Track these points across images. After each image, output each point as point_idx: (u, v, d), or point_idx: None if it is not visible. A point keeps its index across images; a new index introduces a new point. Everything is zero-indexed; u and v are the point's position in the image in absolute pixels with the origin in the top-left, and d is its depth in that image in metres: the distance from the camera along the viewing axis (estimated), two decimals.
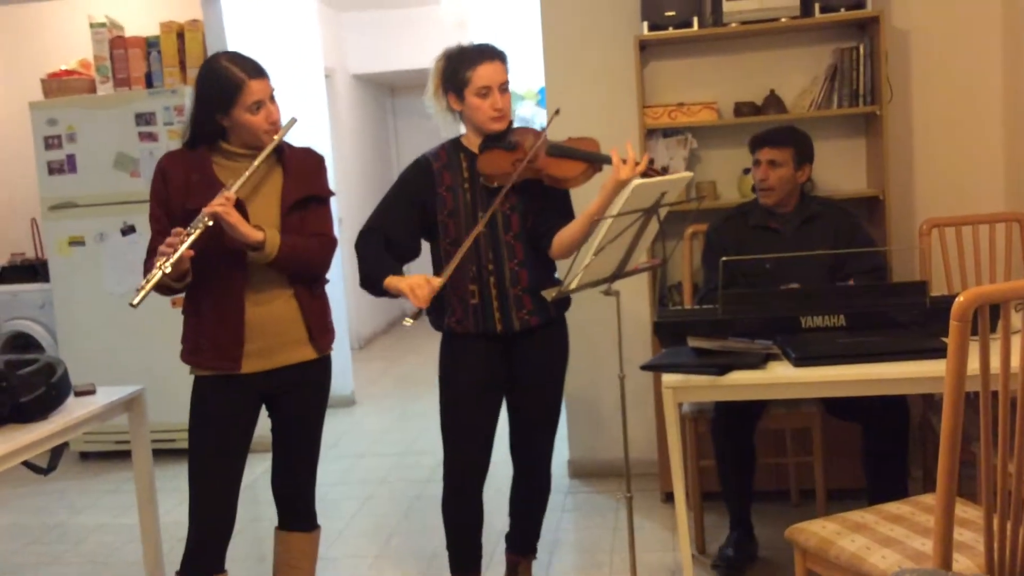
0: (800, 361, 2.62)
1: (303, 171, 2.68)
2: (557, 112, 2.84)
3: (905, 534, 2.24)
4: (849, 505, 2.60)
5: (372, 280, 2.78)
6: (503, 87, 2.78)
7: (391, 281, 2.72)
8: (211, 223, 2.43)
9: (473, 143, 2.84)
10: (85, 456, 5.31)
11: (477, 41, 2.90)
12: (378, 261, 2.80)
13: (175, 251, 2.38)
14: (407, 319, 2.62)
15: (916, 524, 2.29)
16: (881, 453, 3.16)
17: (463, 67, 2.76)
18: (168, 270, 2.38)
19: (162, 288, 2.51)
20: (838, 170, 4.09)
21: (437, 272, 2.84)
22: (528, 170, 2.71)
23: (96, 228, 5.09)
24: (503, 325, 2.79)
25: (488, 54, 2.78)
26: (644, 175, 2.66)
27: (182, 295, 2.65)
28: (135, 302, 2.39)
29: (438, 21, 7.76)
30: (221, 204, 2.43)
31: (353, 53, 8.60)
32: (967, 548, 2.12)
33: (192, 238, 2.41)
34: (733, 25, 3.84)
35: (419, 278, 2.65)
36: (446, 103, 2.83)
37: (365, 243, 2.84)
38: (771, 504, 3.72)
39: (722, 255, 3.02)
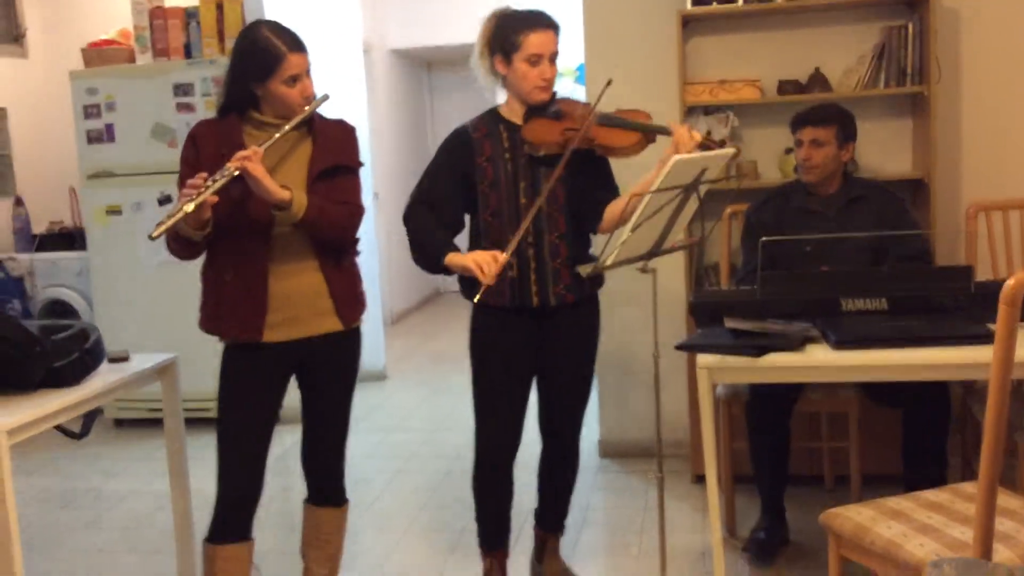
0: (840, 344, 2.57)
1: (333, 141, 2.65)
2: (609, 83, 2.72)
3: (944, 522, 2.19)
4: (885, 492, 2.55)
5: (430, 256, 2.72)
6: (553, 57, 2.70)
7: (454, 258, 2.64)
8: (237, 173, 2.40)
9: (513, 112, 2.78)
10: (119, 423, 5.37)
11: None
12: (434, 236, 2.73)
13: (198, 193, 2.36)
14: (476, 296, 2.56)
15: (955, 512, 2.24)
16: (921, 440, 3.10)
17: (515, 30, 2.68)
18: (190, 208, 2.34)
19: (181, 239, 2.50)
20: (883, 152, 4.00)
21: (473, 243, 2.81)
22: (582, 140, 2.64)
23: (133, 198, 5.13)
24: (540, 299, 2.74)
25: (543, 21, 2.70)
26: (703, 148, 2.60)
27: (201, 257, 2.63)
28: (154, 234, 2.35)
29: None
30: (248, 156, 2.41)
31: (392, 27, 8.57)
32: (1008, 539, 2.07)
33: (218, 184, 2.38)
34: (779, 0, 3.75)
35: (485, 254, 2.57)
36: (491, 64, 2.76)
37: (415, 217, 2.78)
38: (804, 489, 3.67)
39: (762, 236, 2.97)
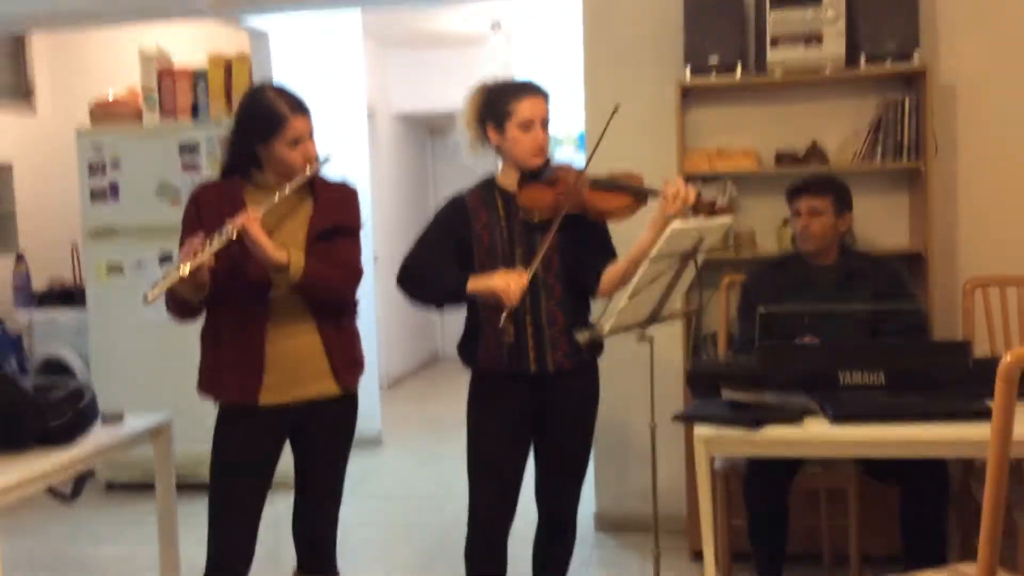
0: (838, 419, 2.55)
1: (334, 203, 2.67)
2: (616, 109, 2.71)
3: None
4: (885, 571, 2.51)
5: (449, 287, 2.71)
6: (545, 123, 2.75)
7: (478, 282, 2.65)
8: (235, 235, 2.41)
9: (508, 180, 2.81)
10: (111, 486, 5.30)
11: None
12: (442, 273, 2.74)
13: (195, 255, 2.36)
14: (503, 318, 2.56)
15: None
16: (919, 518, 3.05)
17: (505, 99, 2.73)
18: (186, 271, 2.34)
19: (178, 301, 2.50)
20: (880, 225, 4.02)
21: (470, 310, 2.81)
22: (573, 203, 2.67)
23: (135, 255, 5.14)
24: (537, 366, 2.74)
25: (532, 88, 2.76)
26: (694, 208, 2.62)
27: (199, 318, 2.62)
28: (149, 296, 2.33)
29: (482, 63, 7.84)
30: (247, 218, 2.42)
31: (396, 92, 8.70)
32: None
33: (215, 247, 2.39)
34: (777, 74, 3.81)
35: (510, 274, 2.59)
36: (482, 134, 2.80)
37: (411, 272, 2.80)
38: (803, 567, 3.61)
39: (759, 306, 2.97)
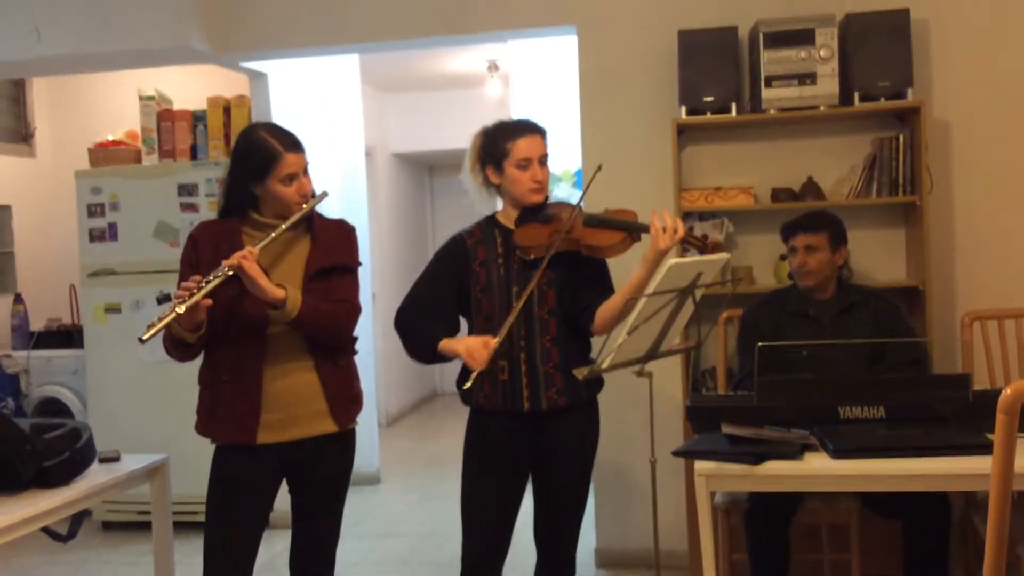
0: (838, 453, 2.54)
1: (331, 240, 2.69)
2: (599, 168, 2.80)
3: None
4: None
5: (424, 346, 2.77)
6: (543, 160, 2.79)
7: (447, 344, 2.72)
8: (231, 273, 2.42)
9: (509, 218, 2.84)
10: (108, 526, 5.26)
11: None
12: (424, 328, 2.79)
13: (190, 295, 2.37)
14: (467, 383, 2.62)
15: None
16: (922, 552, 3.04)
17: (503, 139, 2.78)
18: (182, 311, 2.35)
19: (175, 341, 2.50)
20: (877, 260, 4.04)
21: None
22: (566, 241, 2.70)
23: (132, 296, 5.14)
24: (531, 404, 2.74)
25: (528, 128, 2.81)
26: (684, 243, 2.65)
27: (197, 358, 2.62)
28: (144, 337, 2.34)
29: (479, 103, 7.90)
30: (243, 256, 2.43)
31: (394, 132, 8.75)
32: None
33: (211, 285, 2.40)
34: (772, 112, 3.84)
35: (475, 340, 2.65)
36: (484, 177, 2.84)
37: (405, 318, 2.84)
38: None
39: (758, 341, 2.97)
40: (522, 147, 2.76)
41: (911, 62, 3.77)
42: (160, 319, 2.36)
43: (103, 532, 5.22)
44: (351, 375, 2.73)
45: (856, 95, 3.80)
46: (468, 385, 2.63)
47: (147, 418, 5.06)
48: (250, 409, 2.55)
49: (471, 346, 2.64)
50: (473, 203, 2.91)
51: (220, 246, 2.56)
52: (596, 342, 2.85)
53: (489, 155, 2.81)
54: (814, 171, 4.02)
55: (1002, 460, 1.76)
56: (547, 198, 2.84)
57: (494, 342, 2.62)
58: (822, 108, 3.81)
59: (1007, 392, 1.73)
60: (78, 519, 2.87)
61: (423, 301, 2.83)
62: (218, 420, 2.59)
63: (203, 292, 2.39)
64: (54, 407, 5.56)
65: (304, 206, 2.59)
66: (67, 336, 5.80)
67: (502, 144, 2.78)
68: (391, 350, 7.95)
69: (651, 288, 2.42)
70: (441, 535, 4.91)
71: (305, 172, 2.61)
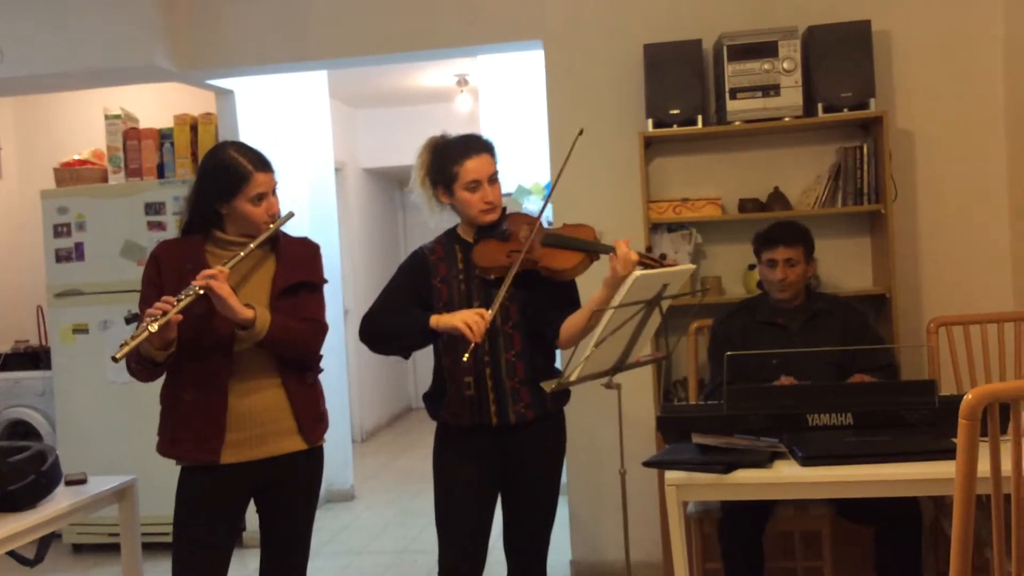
0: (807, 460, 2.56)
1: (296, 258, 2.68)
2: (581, 132, 2.77)
3: None
4: None
5: (412, 328, 2.71)
6: (492, 178, 2.77)
7: (440, 318, 2.64)
8: (202, 291, 2.41)
9: (468, 233, 2.84)
10: (77, 548, 5.19)
11: (478, 133, 2.91)
12: (404, 316, 2.75)
13: (163, 313, 2.36)
14: (465, 355, 2.54)
15: None
16: (893, 557, 3.05)
17: (450, 162, 2.75)
18: (155, 329, 2.34)
19: (143, 361, 2.48)
20: (843, 268, 4.08)
21: (437, 364, 2.81)
22: (525, 262, 2.68)
23: (100, 316, 5.09)
24: (498, 418, 2.74)
25: (474, 147, 2.77)
26: (642, 265, 2.64)
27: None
28: (117, 355, 2.34)
29: (449, 118, 7.90)
30: (213, 275, 2.42)
31: (364, 147, 8.74)
32: None
33: (183, 304, 2.39)
34: (737, 124, 3.88)
35: (471, 312, 2.59)
36: (433, 193, 2.82)
37: (373, 320, 2.81)
38: None
39: (728, 350, 2.99)
40: (470, 169, 2.73)
41: (873, 73, 3.82)
42: (133, 337, 2.36)
43: (73, 555, 5.15)
44: (317, 393, 2.72)
45: (819, 106, 3.84)
46: (466, 357, 2.54)
47: (116, 438, 5.00)
48: (214, 429, 2.53)
49: (467, 318, 2.56)
50: (425, 217, 2.89)
51: (183, 265, 2.55)
52: (563, 355, 2.85)
53: (438, 176, 2.78)
54: (780, 181, 4.06)
55: (965, 464, 1.78)
56: (504, 212, 2.82)
57: (489, 314, 2.58)
58: (786, 119, 3.85)
59: (968, 397, 1.75)
60: (46, 542, 2.83)
61: (393, 304, 2.80)
62: (180, 440, 2.56)
63: (175, 310, 2.38)
64: (22, 429, 5.49)
65: (271, 225, 2.58)
66: (34, 357, 5.73)
67: (450, 167, 2.74)
68: (365, 366, 7.93)
69: (617, 300, 2.42)
70: (416, 551, 4.89)
71: (274, 192, 2.61)
